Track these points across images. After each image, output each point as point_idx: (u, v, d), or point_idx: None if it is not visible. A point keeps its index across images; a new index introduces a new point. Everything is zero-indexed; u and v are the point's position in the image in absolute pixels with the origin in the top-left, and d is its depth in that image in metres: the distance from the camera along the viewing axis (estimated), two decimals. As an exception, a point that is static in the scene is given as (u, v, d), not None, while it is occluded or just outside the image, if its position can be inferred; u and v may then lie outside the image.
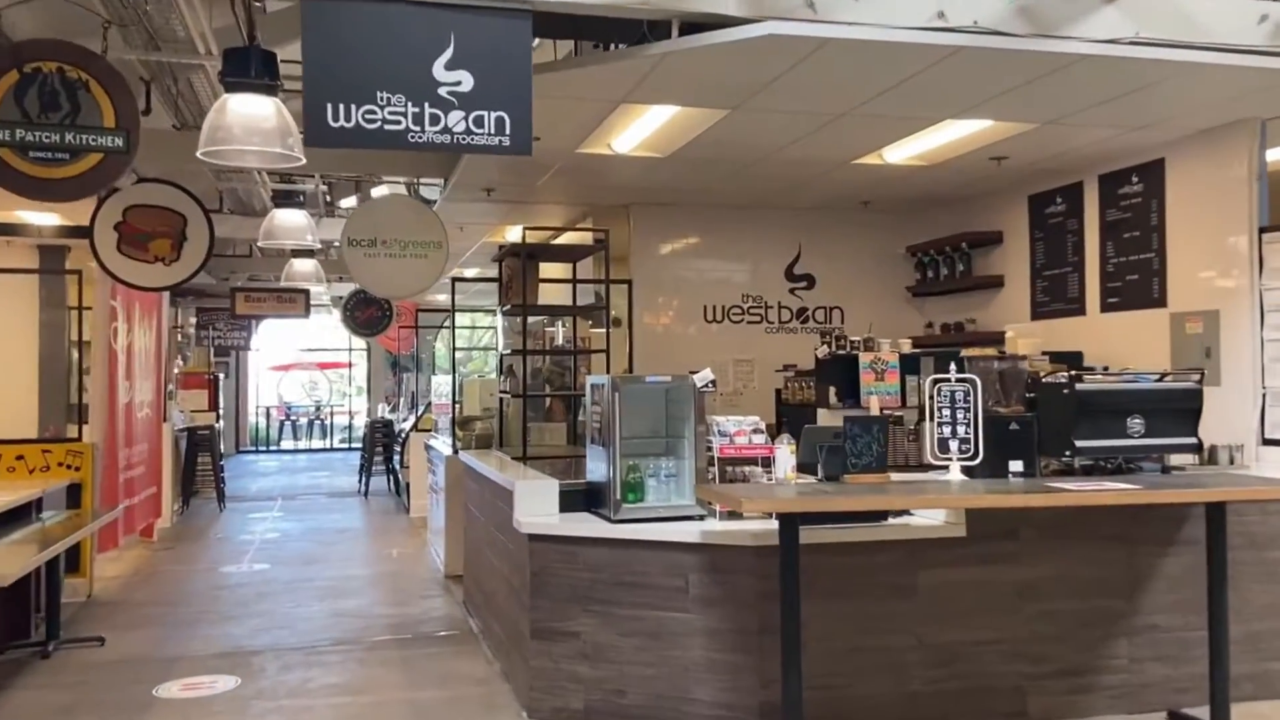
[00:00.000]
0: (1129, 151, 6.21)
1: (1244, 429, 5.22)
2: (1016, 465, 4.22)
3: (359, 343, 21.82)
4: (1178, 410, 4.48)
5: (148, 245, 7.12)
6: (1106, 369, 6.35)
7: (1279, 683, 4.27)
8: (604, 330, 7.87)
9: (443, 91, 3.87)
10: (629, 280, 7.73)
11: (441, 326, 20.48)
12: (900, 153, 6.45)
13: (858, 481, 3.81)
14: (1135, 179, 6.30)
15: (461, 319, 20.86)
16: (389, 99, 3.85)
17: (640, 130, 5.78)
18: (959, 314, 8.14)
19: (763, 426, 4.24)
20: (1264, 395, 5.28)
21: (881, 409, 6.40)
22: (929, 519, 4.01)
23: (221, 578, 7.84)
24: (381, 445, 14.00)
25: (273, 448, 23.08)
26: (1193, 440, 4.50)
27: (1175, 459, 4.56)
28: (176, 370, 14.34)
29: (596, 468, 4.33)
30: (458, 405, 8.02)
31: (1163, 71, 4.58)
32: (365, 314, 15.98)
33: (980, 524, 3.98)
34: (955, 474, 4.18)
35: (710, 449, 4.19)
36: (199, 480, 12.68)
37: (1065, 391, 4.35)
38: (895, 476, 4.11)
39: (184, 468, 12.07)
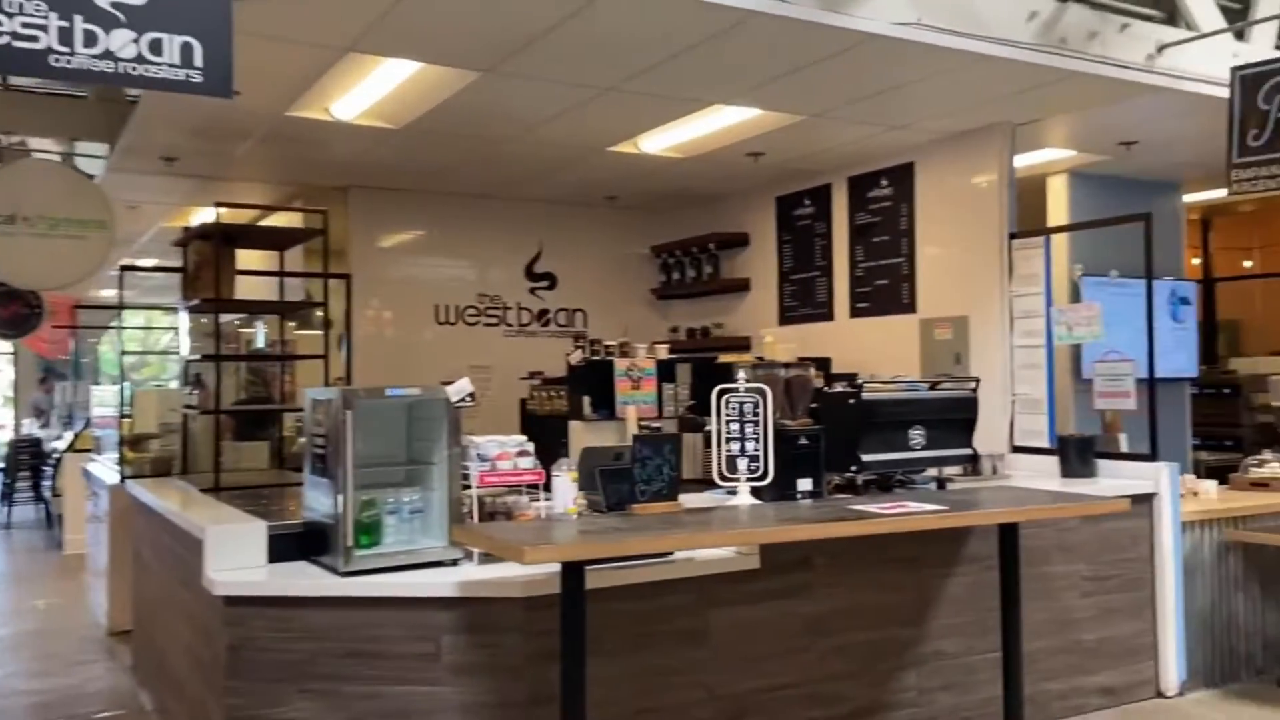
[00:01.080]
0: (880, 154, 6.21)
1: (996, 437, 5.27)
2: (805, 483, 3.89)
3: (3, 345, 18.53)
4: (954, 420, 4.37)
5: None
6: (855, 376, 6.33)
7: (1054, 703, 4.23)
8: (316, 333, 6.86)
9: (102, 1, 2.88)
10: (347, 275, 6.78)
11: (108, 326, 17.88)
12: (657, 142, 6.05)
13: (648, 512, 3.26)
14: (885, 182, 6.31)
15: (134, 318, 18.33)
16: (21, 3, 2.80)
17: (369, 92, 4.92)
18: (705, 318, 7.93)
19: (530, 448, 3.58)
20: (1013, 402, 5.37)
21: (639, 419, 5.98)
22: (720, 551, 3.54)
23: None
24: (29, 468, 11.76)
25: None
26: (969, 451, 4.40)
27: (945, 470, 4.45)
28: None
29: (319, 504, 3.47)
30: (127, 421, 6.63)
31: (942, 63, 4.46)
32: (7, 311, 13.44)
33: (773, 553, 3.57)
34: (744, 496, 3.76)
35: (467, 477, 3.47)
36: None
37: (851, 402, 4.08)
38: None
39: None
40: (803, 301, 7.02)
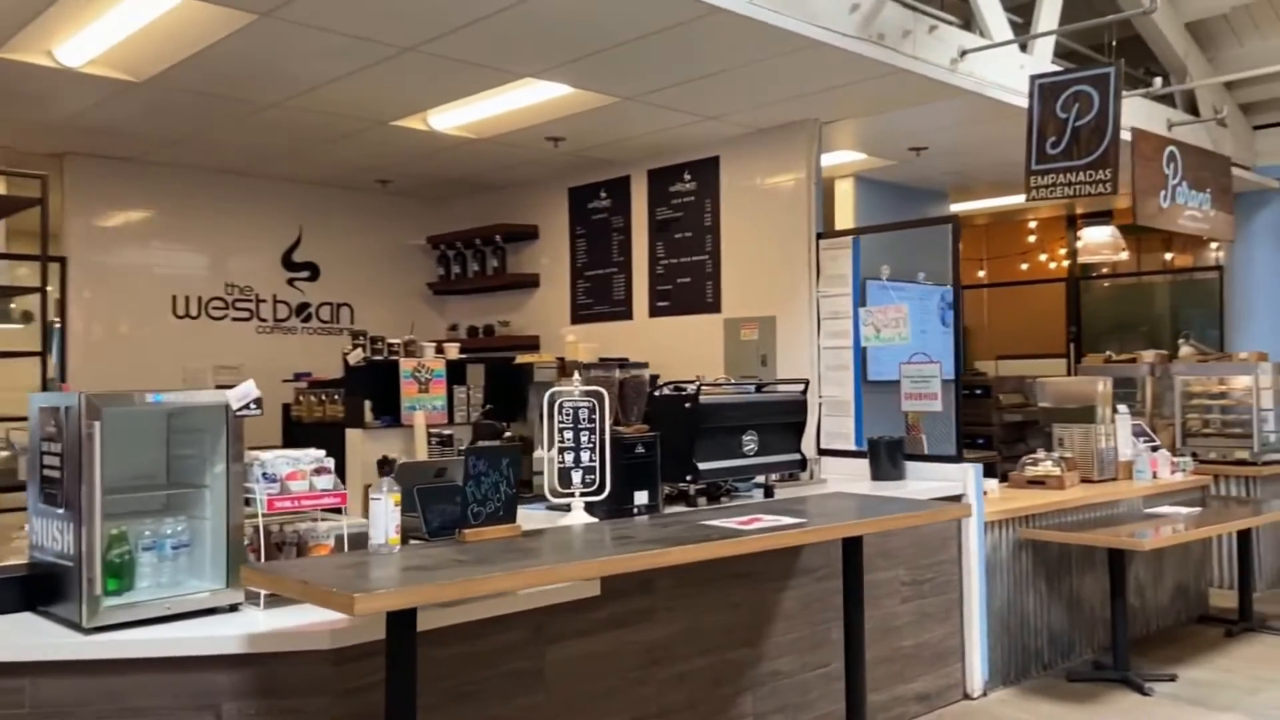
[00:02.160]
0: (683, 146, 6.04)
1: (805, 440, 5.22)
2: (642, 496, 3.58)
3: None
4: (785, 425, 4.22)
5: None
6: (657, 378, 6.13)
7: (879, 715, 4.18)
8: (15, 327, 5.77)
9: None
10: (61, 258, 5.77)
11: None
12: (449, 118, 5.55)
13: (483, 538, 2.82)
14: (688, 176, 6.15)
15: None
16: None
17: (107, 34, 4.10)
18: (489, 315, 7.47)
19: (329, 464, 3.02)
20: (820, 404, 5.35)
21: (428, 426, 5.45)
22: (556, 576, 3.16)
23: None
24: None
25: None
26: (799, 456, 4.27)
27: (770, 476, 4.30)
28: None
29: (50, 540, 2.75)
30: None
31: (771, 47, 4.32)
32: None
33: (615, 578, 3.23)
34: (579, 513, 3.39)
35: (249, 502, 2.86)
36: None
37: (687, 405, 3.82)
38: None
39: None
40: (598, 299, 6.74)
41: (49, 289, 4.57)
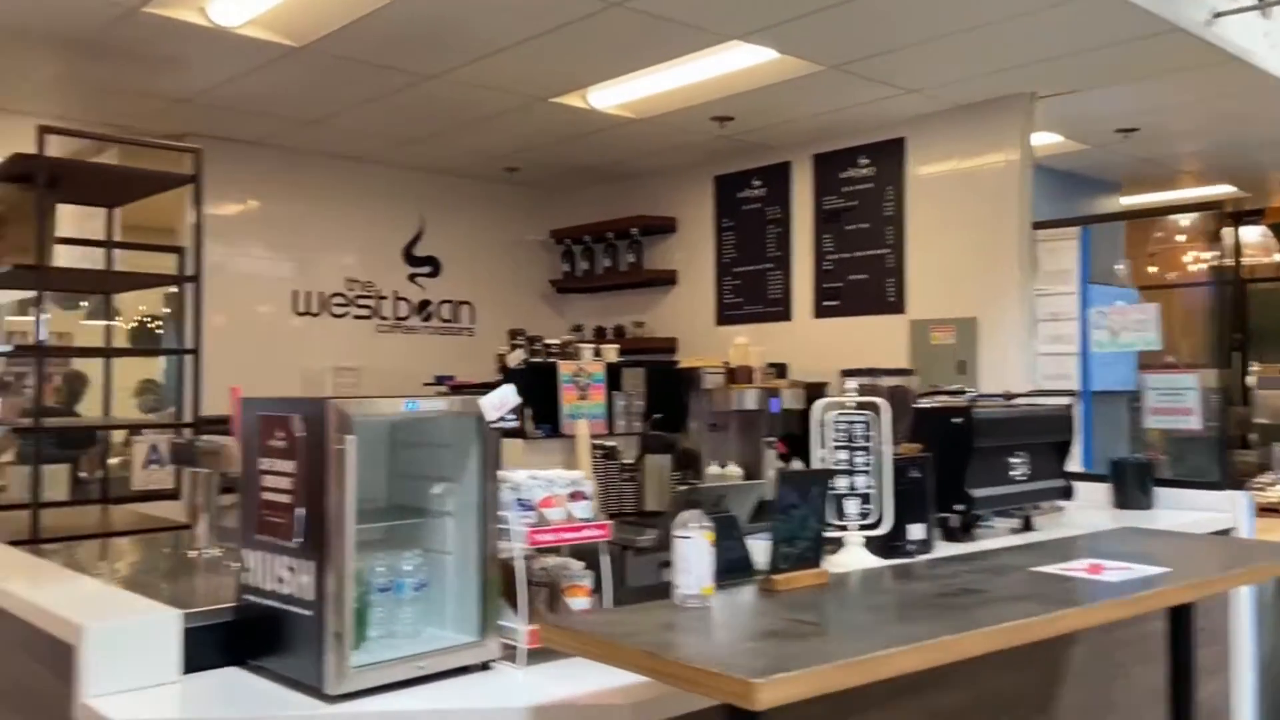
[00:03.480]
0: (861, 127, 5.50)
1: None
2: (917, 530, 3.03)
3: None
4: (1050, 444, 3.66)
5: None
6: (825, 385, 5.59)
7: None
8: (97, 324, 5.36)
9: None
10: (178, 248, 5.35)
11: None
12: (611, 95, 5.06)
13: (794, 586, 2.29)
14: (864, 160, 5.60)
15: None
16: None
17: (271, -12, 3.66)
18: (616, 315, 6.97)
19: (587, 488, 2.52)
20: (1035, 417, 4.76)
21: (591, 436, 4.95)
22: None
23: None
24: None
25: None
26: (1064, 482, 3.70)
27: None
28: None
29: (275, 580, 2.27)
30: None
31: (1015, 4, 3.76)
32: None
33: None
34: (856, 551, 2.85)
35: (506, 532, 2.37)
36: None
37: (957, 420, 3.27)
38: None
39: None
40: (750, 298, 6.21)
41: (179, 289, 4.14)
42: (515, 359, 4.82)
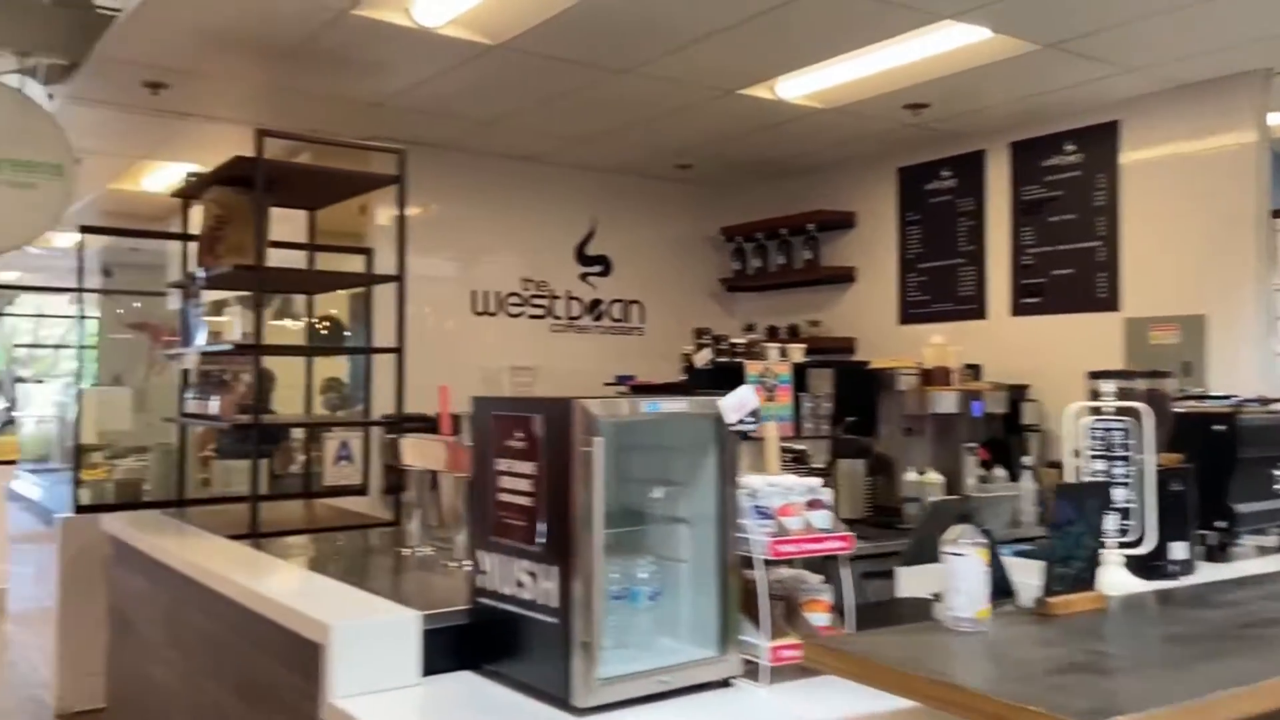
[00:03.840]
0: (1065, 111, 5.17)
1: None
2: (1179, 550, 2.77)
3: None
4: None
5: None
6: (1026, 388, 5.29)
7: None
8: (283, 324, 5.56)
9: None
10: (366, 250, 5.48)
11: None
12: (799, 84, 4.90)
13: (1072, 610, 2.09)
14: (1071, 146, 5.26)
15: (36, 306, 16.42)
16: None
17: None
18: (789, 314, 6.79)
19: (825, 496, 2.39)
20: (1274, 425, 4.35)
21: (781, 439, 4.81)
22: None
23: None
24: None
25: None
26: (1329, 496, 3.33)
27: None
28: None
29: (513, 584, 2.23)
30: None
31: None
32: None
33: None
34: (1117, 571, 2.61)
35: (743, 539, 2.26)
36: None
37: (1219, 428, 2.98)
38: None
39: None
40: (938, 295, 5.94)
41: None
42: (702, 358, 4.73)
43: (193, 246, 4.22)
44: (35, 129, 4.72)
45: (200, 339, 3.88)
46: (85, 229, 5.11)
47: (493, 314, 6.47)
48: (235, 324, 5.49)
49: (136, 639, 3.66)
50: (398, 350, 3.90)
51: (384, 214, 6.07)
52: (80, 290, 5.29)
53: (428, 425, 3.97)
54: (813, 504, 2.38)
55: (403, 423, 3.82)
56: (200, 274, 3.76)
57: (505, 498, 2.25)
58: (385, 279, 3.88)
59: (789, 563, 2.43)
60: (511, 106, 5.20)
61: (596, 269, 6.89)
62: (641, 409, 2.17)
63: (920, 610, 2.50)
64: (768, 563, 2.25)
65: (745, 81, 4.77)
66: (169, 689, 3.29)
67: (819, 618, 2.32)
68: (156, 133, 5.82)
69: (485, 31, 4.05)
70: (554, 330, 6.69)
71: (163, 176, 7.13)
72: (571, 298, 6.79)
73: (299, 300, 5.48)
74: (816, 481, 2.41)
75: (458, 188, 6.34)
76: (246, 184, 3.72)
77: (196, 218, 4.15)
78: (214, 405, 3.75)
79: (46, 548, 5.21)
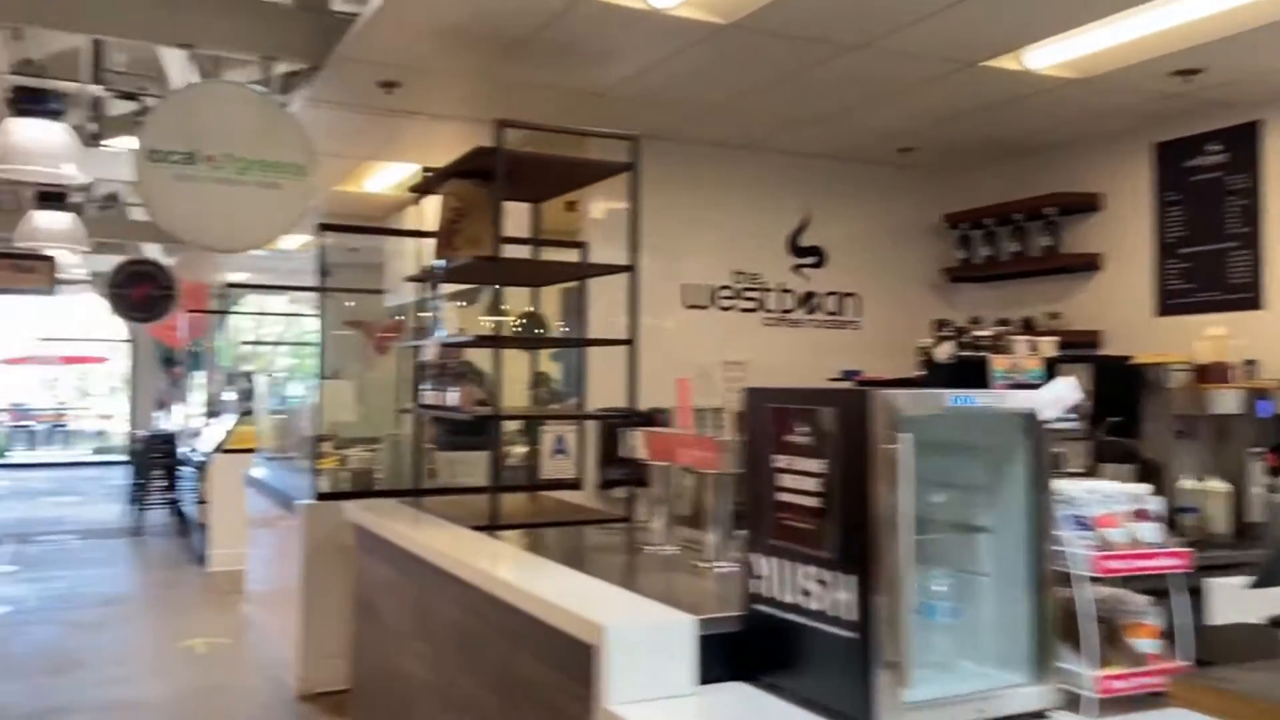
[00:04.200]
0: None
1: None
2: None
3: (118, 330, 18.09)
4: None
5: None
6: None
7: None
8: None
9: None
10: (580, 243, 5.45)
11: (234, 312, 17.31)
12: (1050, 53, 4.51)
13: None
14: (1374, 113, 4.63)
15: (258, 305, 17.65)
16: None
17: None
18: (1024, 306, 6.33)
19: (1155, 506, 2.10)
20: None
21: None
22: None
23: (-102, 713, 4.89)
24: (162, 468, 10.88)
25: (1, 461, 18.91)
26: None
27: None
28: None
29: (796, 592, 2.06)
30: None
31: None
32: (139, 292, 12.73)
33: None
34: None
35: (1061, 553, 2.01)
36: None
37: None
38: None
39: None
40: (1203, 284, 5.37)
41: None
42: (944, 352, 4.43)
43: (420, 242, 4.31)
44: (280, 130, 4.92)
45: (440, 331, 3.92)
46: (324, 227, 5.31)
47: (703, 308, 6.35)
48: (452, 319, 5.61)
49: (382, 626, 3.72)
50: (629, 342, 3.81)
51: (598, 208, 6.05)
52: (321, 290, 5.52)
53: (644, 419, 3.89)
54: (1139, 514, 2.10)
55: (631, 417, 3.73)
56: (440, 266, 3.79)
57: (786, 497, 2.08)
58: (619, 269, 3.80)
59: (1104, 579, 2.16)
60: (734, 90, 5.05)
61: (810, 260, 6.65)
62: (947, 403, 1.95)
63: (1254, 636, 2.18)
64: (1090, 580, 1.99)
65: (989, 52, 4.43)
66: (417, 678, 3.31)
67: (1147, 644, 2.04)
68: (382, 133, 6.01)
69: (718, 10, 3.91)
70: (766, 324, 6.50)
71: (384, 178, 7.41)
72: (784, 290, 6.58)
73: (507, 296, 5.58)
74: (1142, 489, 2.12)
75: (667, 179, 6.23)
76: (483, 177, 3.73)
77: (424, 214, 4.21)
78: (452, 397, 3.77)
79: (286, 533, 5.47)
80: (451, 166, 3.79)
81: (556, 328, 5.98)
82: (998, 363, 4.54)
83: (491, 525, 3.41)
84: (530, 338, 4.67)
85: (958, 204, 6.69)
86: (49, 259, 11.48)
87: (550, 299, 6.64)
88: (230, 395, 13.12)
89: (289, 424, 6.63)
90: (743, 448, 2.24)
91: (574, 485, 5.22)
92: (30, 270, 11.73)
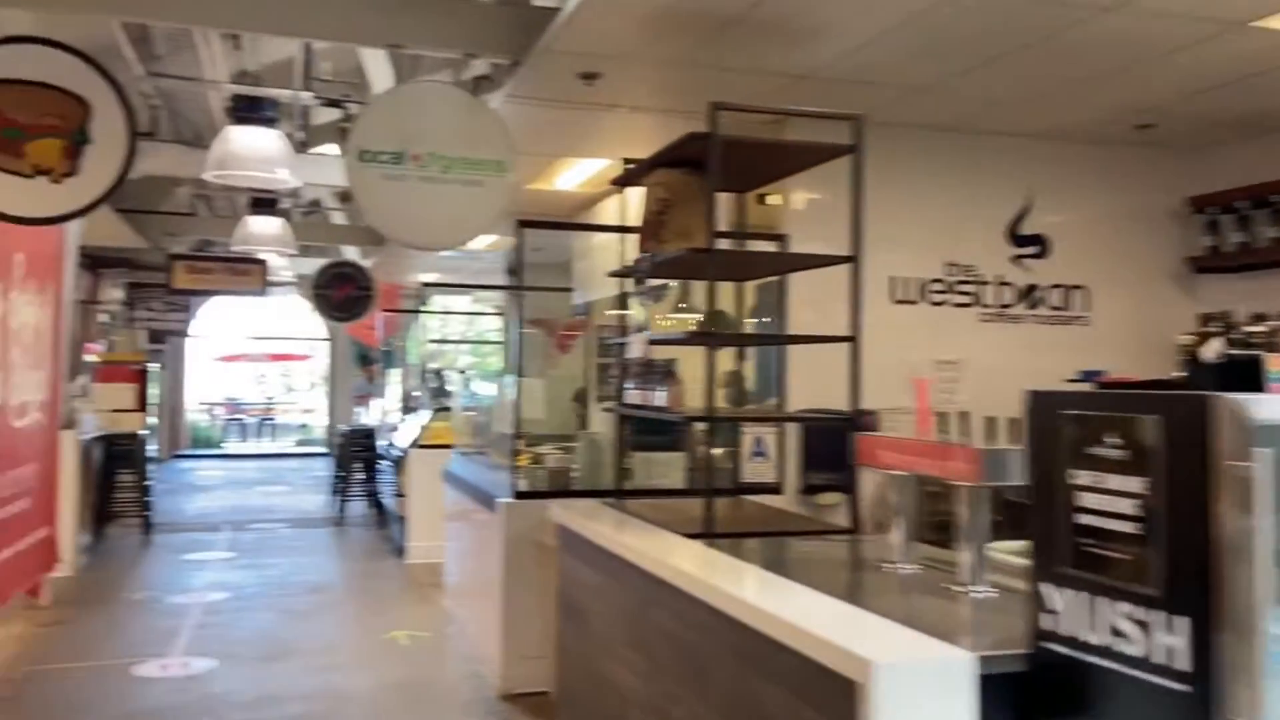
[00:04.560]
0: None
1: None
2: None
3: (319, 330, 19.12)
4: None
5: (22, 147, 4.69)
6: None
7: None
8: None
9: None
10: (779, 235, 5.20)
11: (416, 311, 17.93)
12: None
13: None
14: None
15: (442, 305, 18.26)
16: None
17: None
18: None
19: None
20: None
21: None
22: None
23: (133, 695, 5.17)
24: (362, 461, 11.34)
25: (214, 451, 20.32)
26: None
27: None
28: (92, 358, 11.66)
29: (1099, 631, 1.77)
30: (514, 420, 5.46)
31: None
32: (340, 293, 13.37)
33: None
34: None
35: None
36: (118, 502, 10.03)
37: None
38: None
39: (97, 487, 9.40)
40: None
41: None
42: (1212, 350, 3.96)
43: (622, 237, 4.19)
44: (482, 128, 4.93)
45: (645, 329, 3.77)
46: (524, 223, 5.30)
47: (913, 302, 5.97)
48: (641, 315, 5.48)
49: (589, 630, 3.61)
50: (851, 339, 3.56)
51: (799, 198, 5.79)
52: (516, 288, 5.51)
53: (845, 422, 3.62)
54: None
55: (850, 419, 3.47)
56: (647, 259, 3.64)
57: (1089, 520, 1.79)
58: (839, 260, 3.58)
59: None
60: (953, 67, 4.70)
61: (1031, 250, 6.16)
62: (1312, 410, 1.62)
63: None
64: None
65: (1269, 8, 3.91)
66: (627, 688, 3.17)
67: None
68: (579, 128, 5.95)
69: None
70: (982, 320, 6.06)
71: (575, 174, 7.39)
72: (1002, 283, 6.12)
73: (692, 292, 5.41)
74: None
75: (875, 163, 5.91)
76: (691, 165, 3.56)
77: (622, 209, 4.08)
78: (660, 396, 3.62)
79: (484, 529, 5.49)
80: (659, 155, 3.64)
81: (748, 325, 5.78)
82: (1273, 362, 4.01)
83: (707, 533, 3.23)
84: (749, 335, 4.48)
85: (1204, 185, 6.04)
86: (261, 262, 12.20)
87: (728, 295, 6.45)
88: (422, 392, 13.60)
89: (482, 421, 6.70)
90: (1028, 461, 1.96)
91: (774, 489, 5.01)
92: (245, 273, 12.50)
